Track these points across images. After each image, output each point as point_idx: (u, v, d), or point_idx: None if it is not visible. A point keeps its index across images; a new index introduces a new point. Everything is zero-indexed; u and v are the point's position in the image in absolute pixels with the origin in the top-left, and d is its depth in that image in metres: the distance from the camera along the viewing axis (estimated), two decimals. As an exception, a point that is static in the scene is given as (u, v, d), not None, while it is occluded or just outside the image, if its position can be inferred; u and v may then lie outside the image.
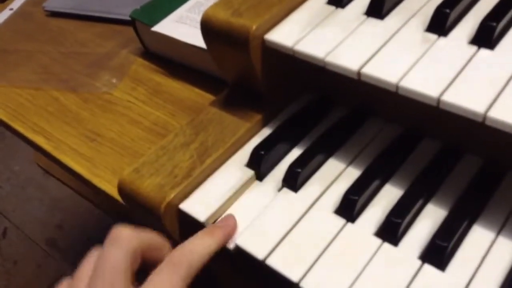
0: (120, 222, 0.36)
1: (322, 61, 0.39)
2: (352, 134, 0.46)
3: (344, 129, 0.46)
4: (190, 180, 0.43)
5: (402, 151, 0.43)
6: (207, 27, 0.45)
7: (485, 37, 0.37)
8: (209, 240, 0.37)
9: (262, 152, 0.44)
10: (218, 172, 0.44)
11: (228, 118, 0.47)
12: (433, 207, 0.39)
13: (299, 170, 0.42)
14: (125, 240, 0.34)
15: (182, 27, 0.61)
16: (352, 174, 0.42)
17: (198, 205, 0.42)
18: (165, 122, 0.58)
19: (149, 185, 0.43)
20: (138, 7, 0.66)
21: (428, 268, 0.36)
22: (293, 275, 0.36)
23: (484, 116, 0.33)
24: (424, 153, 0.43)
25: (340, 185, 0.42)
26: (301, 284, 0.36)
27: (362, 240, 0.38)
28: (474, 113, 0.33)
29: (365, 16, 0.42)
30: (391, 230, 0.38)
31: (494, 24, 0.37)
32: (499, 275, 0.35)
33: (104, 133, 0.58)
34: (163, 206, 0.41)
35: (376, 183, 0.41)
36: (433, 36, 0.39)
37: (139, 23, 0.65)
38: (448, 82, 0.35)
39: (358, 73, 0.38)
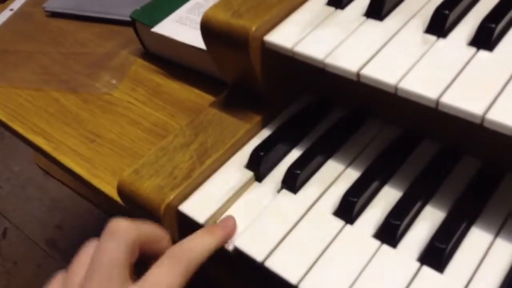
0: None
1: (321, 62, 0.40)
2: (351, 136, 0.46)
3: (344, 130, 0.46)
4: (189, 181, 0.43)
5: (401, 152, 0.43)
6: (207, 28, 0.45)
7: (484, 39, 0.37)
8: (209, 238, 0.37)
9: (262, 153, 0.44)
10: (217, 173, 0.44)
11: (228, 119, 0.47)
12: (432, 209, 0.39)
13: (298, 171, 0.42)
14: (122, 232, 0.34)
15: (182, 28, 0.61)
16: (351, 175, 0.42)
17: (198, 206, 0.42)
18: (165, 123, 0.58)
19: (148, 187, 0.43)
20: (138, 7, 0.66)
21: (427, 270, 0.36)
22: (292, 277, 0.36)
23: (483, 118, 0.33)
24: (423, 154, 0.43)
25: (339, 186, 0.42)
26: (300, 286, 0.36)
27: (361, 242, 0.38)
28: (473, 115, 0.33)
29: (364, 17, 0.42)
30: (390, 232, 0.38)
31: (493, 25, 0.37)
32: (497, 277, 0.35)
33: (104, 134, 0.58)
34: (162, 207, 0.41)
35: (375, 184, 0.41)
36: (432, 38, 0.39)
37: (139, 24, 0.65)
38: (447, 83, 0.35)
39: (357, 75, 0.38)
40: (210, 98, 0.59)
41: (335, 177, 0.43)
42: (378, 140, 0.45)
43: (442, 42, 0.38)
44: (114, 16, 0.75)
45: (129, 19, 0.66)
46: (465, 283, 0.35)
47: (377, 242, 0.38)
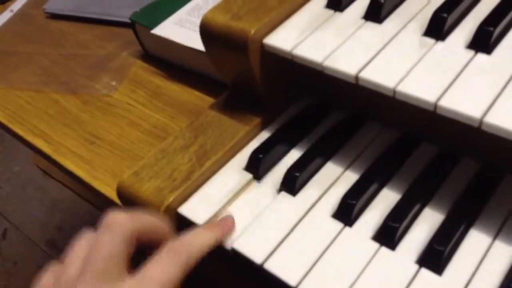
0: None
1: (320, 65, 0.40)
2: (350, 138, 0.46)
3: (342, 133, 0.46)
4: (189, 183, 0.43)
5: (399, 155, 0.44)
6: (206, 31, 0.45)
7: (483, 42, 0.37)
8: (208, 234, 0.38)
9: (261, 156, 0.44)
10: (216, 176, 0.45)
11: (227, 121, 0.48)
12: (430, 211, 0.39)
13: (298, 174, 0.42)
14: (118, 225, 0.34)
15: (182, 30, 0.61)
16: (350, 178, 0.43)
17: (197, 208, 0.42)
18: (165, 125, 0.58)
19: (148, 189, 0.43)
20: (138, 9, 0.66)
21: (425, 273, 0.36)
22: (291, 279, 0.36)
23: (481, 121, 0.33)
24: (422, 157, 0.43)
25: (338, 189, 0.42)
26: (299, 288, 0.36)
27: (360, 244, 0.38)
28: (471, 118, 0.33)
29: (363, 20, 0.42)
30: (389, 234, 0.38)
31: (491, 29, 0.37)
32: (496, 279, 0.35)
33: (104, 135, 0.58)
34: (162, 209, 0.41)
35: (373, 187, 0.41)
36: (431, 41, 0.39)
37: (139, 26, 0.65)
38: (445, 87, 0.35)
39: (356, 78, 0.38)
40: (210, 100, 0.60)
41: (334, 179, 0.43)
42: (376, 142, 0.45)
43: (440, 45, 0.39)
44: (114, 17, 0.76)
45: (129, 20, 0.66)
46: (463, 285, 0.35)
47: (375, 245, 0.38)
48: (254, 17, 0.43)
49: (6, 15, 0.83)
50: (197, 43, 0.56)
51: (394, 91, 0.36)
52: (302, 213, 0.41)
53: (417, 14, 0.42)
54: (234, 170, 0.45)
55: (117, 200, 0.46)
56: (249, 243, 0.39)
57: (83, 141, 0.58)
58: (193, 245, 0.36)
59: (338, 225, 0.39)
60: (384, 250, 0.37)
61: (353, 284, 0.36)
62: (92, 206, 1.03)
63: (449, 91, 0.35)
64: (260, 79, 0.46)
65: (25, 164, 1.66)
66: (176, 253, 0.34)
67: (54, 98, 0.65)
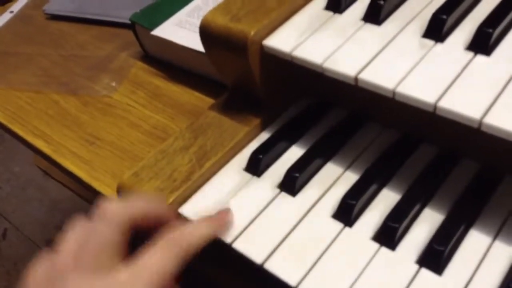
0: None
1: (320, 66, 0.40)
2: (350, 139, 0.46)
3: (342, 133, 0.46)
4: (189, 184, 0.43)
5: (399, 156, 0.44)
6: (206, 32, 0.45)
7: (482, 43, 0.37)
8: (207, 227, 0.37)
9: (261, 156, 0.44)
10: (216, 176, 0.45)
11: (227, 122, 0.48)
12: (430, 211, 0.40)
13: (297, 174, 0.42)
14: (112, 214, 0.34)
15: (182, 31, 0.61)
16: (350, 178, 0.43)
17: (197, 209, 0.42)
18: (165, 126, 0.59)
19: (148, 189, 0.43)
20: (138, 10, 0.66)
21: (425, 273, 0.36)
22: (291, 279, 0.36)
23: (480, 122, 0.33)
24: (421, 158, 0.43)
25: (338, 189, 0.42)
26: (299, 288, 0.36)
27: (360, 245, 0.38)
28: (470, 119, 0.33)
29: (362, 22, 0.42)
30: (389, 235, 0.38)
31: (491, 30, 0.37)
32: (496, 280, 0.35)
33: (104, 136, 0.58)
34: (162, 210, 0.41)
35: (373, 187, 0.41)
36: (430, 42, 0.39)
37: (139, 27, 0.65)
38: (444, 88, 0.35)
39: (355, 79, 0.38)
40: (210, 101, 0.60)
41: (334, 180, 0.43)
42: (376, 143, 0.45)
43: (439, 46, 0.39)
44: (114, 18, 0.76)
45: (128, 21, 0.66)
46: (463, 285, 0.35)
47: (375, 245, 0.38)
48: (253, 19, 0.43)
49: (6, 16, 0.83)
50: (197, 44, 0.56)
51: (394, 92, 0.36)
52: (302, 213, 0.41)
53: (416, 15, 0.42)
54: (234, 171, 0.45)
55: (117, 201, 0.46)
56: (249, 243, 0.39)
57: (83, 141, 0.58)
58: (194, 235, 0.35)
59: (338, 225, 0.40)
60: (384, 250, 0.38)
61: (353, 284, 0.36)
62: (92, 207, 1.03)
63: (449, 92, 0.35)
64: (260, 80, 0.46)
65: (25, 165, 1.66)
66: (176, 243, 0.34)
67: (54, 99, 0.65)
